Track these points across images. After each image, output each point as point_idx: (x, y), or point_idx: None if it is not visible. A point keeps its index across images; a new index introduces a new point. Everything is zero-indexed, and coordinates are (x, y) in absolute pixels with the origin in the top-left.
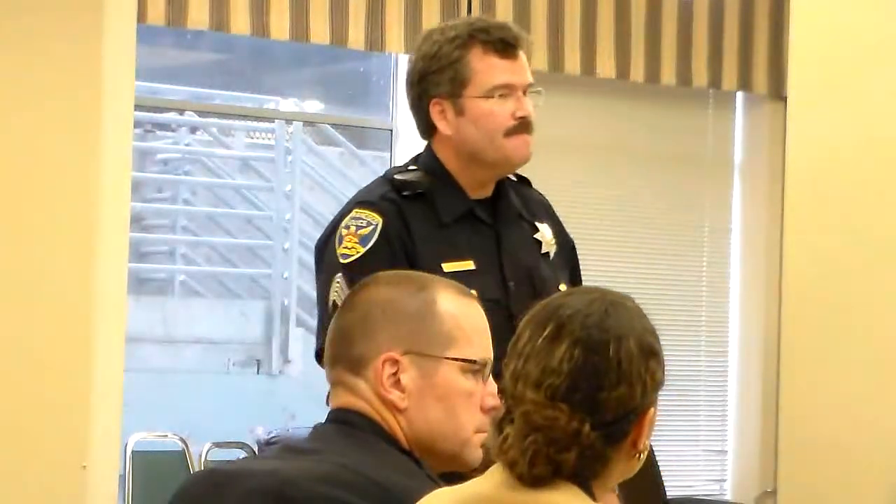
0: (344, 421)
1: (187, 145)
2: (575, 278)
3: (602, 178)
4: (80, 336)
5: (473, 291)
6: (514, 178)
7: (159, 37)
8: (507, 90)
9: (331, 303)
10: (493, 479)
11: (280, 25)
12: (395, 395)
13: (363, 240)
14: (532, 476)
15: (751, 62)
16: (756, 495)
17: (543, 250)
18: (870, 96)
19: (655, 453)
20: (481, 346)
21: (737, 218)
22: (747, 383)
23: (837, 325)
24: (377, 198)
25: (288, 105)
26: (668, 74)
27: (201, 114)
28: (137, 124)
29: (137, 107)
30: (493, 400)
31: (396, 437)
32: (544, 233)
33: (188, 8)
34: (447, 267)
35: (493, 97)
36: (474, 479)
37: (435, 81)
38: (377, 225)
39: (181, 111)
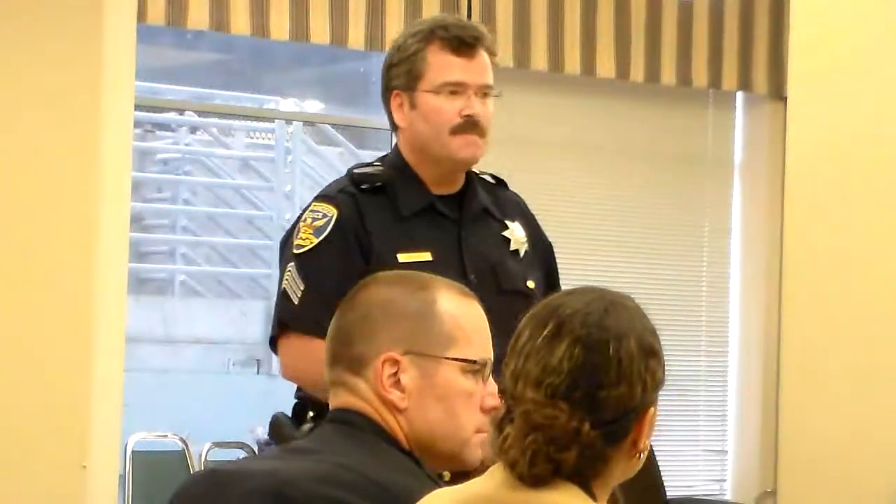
0: (344, 421)
1: (187, 145)
2: (551, 280)
3: (602, 178)
4: (80, 336)
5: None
6: (490, 181)
7: (159, 37)
8: (457, 88)
9: (282, 291)
10: (493, 479)
11: (280, 25)
12: (395, 395)
13: (317, 231)
14: (532, 475)
15: (751, 62)
16: (756, 495)
17: (512, 248)
18: (869, 96)
19: (655, 453)
20: (481, 346)
21: (737, 218)
22: (747, 383)
23: (837, 325)
24: (335, 192)
25: (288, 105)
26: (668, 74)
27: (201, 114)
28: (137, 124)
29: (137, 107)
30: (493, 400)
31: (396, 437)
32: (514, 230)
33: (188, 8)
34: (402, 258)
35: (442, 93)
36: (474, 479)
37: (396, 73)
38: (332, 217)
39: (181, 111)
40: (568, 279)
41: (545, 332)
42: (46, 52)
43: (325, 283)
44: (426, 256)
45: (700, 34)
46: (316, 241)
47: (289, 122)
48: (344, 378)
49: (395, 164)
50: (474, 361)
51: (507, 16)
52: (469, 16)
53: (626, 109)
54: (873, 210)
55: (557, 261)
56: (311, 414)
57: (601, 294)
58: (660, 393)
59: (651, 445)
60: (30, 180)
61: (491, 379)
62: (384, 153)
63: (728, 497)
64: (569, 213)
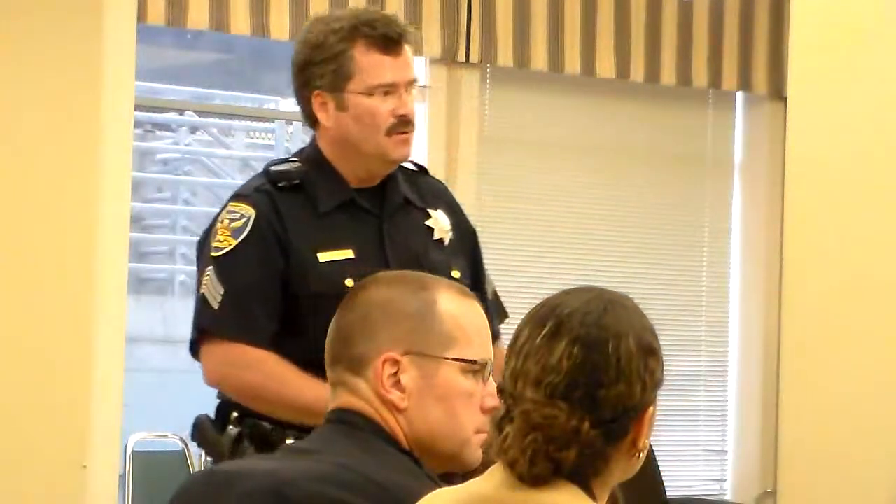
0: (344, 421)
1: (187, 145)
2: (476, 266)
3: (602, 178)
4: (80, 336)
5: (349, 281)
6: (412, 168)
7: (159, 37)
8: (389, 88)
9: (201, 295)
10: (493, 479)
11: (280, 25)
12: (395, 396)
13: (235, 232)
14: (532, 475)
15: (751, 62)
16: (756, 495)
17: (436, 237)
18: (870, 96)
19: (655, 453)
20: (481, 346)
21: (737, 218)
22: (747, 383)
23: (837, 325)
24: (251, 190)
25: (288, 105)
26: (668, 74)
27: (201, 114)
28: (137, 124)
29: (137, 107)
30: (493, 400)
31: (396, 437)
32: (438, 219)
33: (188, 8)
34: (323, 256)
35: (375, 94)
36: (474, 479)
37: (318, 73)
38: (249, 217)
39: (181, 111)
40: (568, 279)
41: (544, 332)
42: (46, 52)
43: (245, 286)
44: (348, 254)
45: (700, 34)
46: (234, 242)
47: (289, 122)
48: (344, 378)
49: (314, 159)
50: (474, 362)
51: (507, 16)
52: (469, 16)
53: (626, 109)
54: (874, 210)
55: (558, 261)
56: (234, 415)
57: (600, 293)
58: (659, 392)
59: (651, 445)
60: (30, 180)
61: (491, 379)
62: (303, 147)
63: (728, 497)
64: (569, 213)
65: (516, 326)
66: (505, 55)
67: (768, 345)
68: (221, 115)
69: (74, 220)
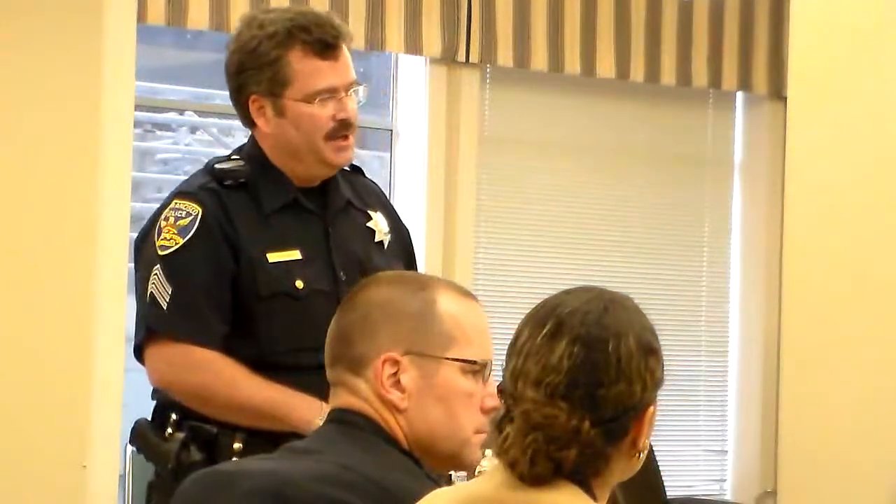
0: (344, 421)
1: (187, 145)
2: (411, 268)
3: (602, 178)
4: (80, 336)
5: (299, 282)
6: (347, 168)
7: (159, 37)
8: (328, 93)
9: (148, 295)
10: (493, 479)
11: None
12: (395, 396)
13: (182, 231)
14: (533, 475)
15: (751, 62)
16: (756, 495)
17: (377, 239)
18: (870, 96)
19: (655, 453)
20: (481, 346)
21: (737, 218)
22: (747, 383)
23: (838, 325)
24: (197, 188)
25: None
26: (668, 74)
27: (201, 114)
28: (137, 124)
29: (137, 107)
30: (493, 400)
31: (396, 437)
32: (377, 221)
33: (188, 8)
34: (272, 257)
35: (313, 101)
36: (475, 479)
37: (254, 79)
38: (196, 215)
39: (181, 111)
40: (568, 279)
41: (544, 332)
42: (46, 52)
43: (194, 286)
44: (295, 255)
45: (700, 34)
46: (182, 241)
47: None
48: (344, 378)
49: (255, 158)
50: (474, 362)
51: (507, 16)
52: (469, 16)
53: (626, 109)
54: (873, 210)
55: (558, 261)
56: (173, 417)
57: (600, 293)
58: (660, 392)
59: (651, 445)
60: (30, 180)
61: (491, 379)
62: (242, 144)
63: (728, 497)
64: (569, 213)
65: (516, 326)
66: (505, 55)
67: (768, 345)
68: (221, 115)
69: (74, 220)
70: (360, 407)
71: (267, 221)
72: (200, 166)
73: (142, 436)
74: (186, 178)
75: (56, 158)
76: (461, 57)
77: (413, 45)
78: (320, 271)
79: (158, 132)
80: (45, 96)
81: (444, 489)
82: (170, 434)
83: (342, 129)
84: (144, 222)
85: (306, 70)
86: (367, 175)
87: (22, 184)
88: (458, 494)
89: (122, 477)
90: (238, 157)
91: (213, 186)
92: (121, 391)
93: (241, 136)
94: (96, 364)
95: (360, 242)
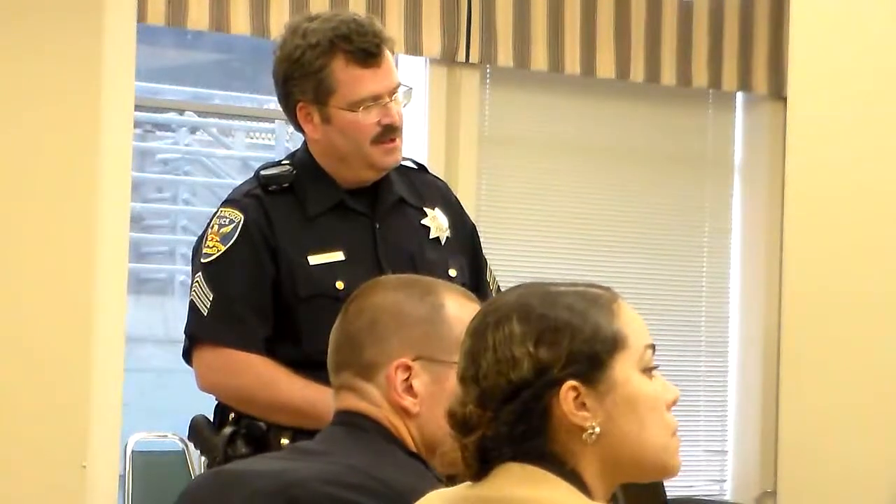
0: (350, 423)
1: (187, 145)
2: (477, 263)
3: (602, 178)
4: (80, 336)
5: (339, 283)
6: (411, 166)
7: (159, 37)
8: (372, 100)
9: (189, 302)
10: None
11: (280, 25)
12: (408, 402)
13: (224, 238)
14: (473, 473)
15: (751, 62)
16: (756, 495)
17: (433, 235)
18: (870, 96)
19: None
20: None
21: (737, 218)
22: (747, 383)
23: (837, 325)
24: (241, 195)
25: None
26: (668, 74)
27: (201, 114)
28: (137, 124)
29: (137, 107)
30: None
31: (403, 440)
32: (436, 217)
33: (188, 8)
34: (314, 259)
35: (357, 110)
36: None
37: (300, 88)
38: (238, 222)
39: (181, 111)
40: (568, 279)
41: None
42: (46, 52)
43: (234, 291)
44: (338, 256)
45: (700, 34)
46: (223, 248)
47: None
48: (351, 382)
49: (305, 163)
50: None
51: (507, 16)
52: (469, 16)
53: (626, 109)
54: (873, 210)
55: (558, 261)
56: (231, 415)
57: (523, 287)
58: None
59: None
60: (30, 180)
61: None
62: (295, 149)
63: (728, 497)
64: (569, 213)
65: None
66: (505, 55)
67: (768, 345)
68: (221, 115)
69: (74, 220)
70: (368, 410)
71: (311, 224)
72: (200, 166)
73: (197, 430)
74: (237, 184)
75: (56, 158)
76: (461, 57)
77: (413, 45)
78: (366, 271)
79: (158, 132)
80: (45, 96)
81: (443, 489)
82: (223, 430)
83: (388, 133)
84: (146, 222)
85: (349, 79)
86: (430, 171)
87: (22, 184)
88: (457, 494)
89: (122, 477)
90: (287, 162)
91: (257, 193)
92: (121, 391)
93: (240, 137)
94: (96, 364)
95: (412, 239)
